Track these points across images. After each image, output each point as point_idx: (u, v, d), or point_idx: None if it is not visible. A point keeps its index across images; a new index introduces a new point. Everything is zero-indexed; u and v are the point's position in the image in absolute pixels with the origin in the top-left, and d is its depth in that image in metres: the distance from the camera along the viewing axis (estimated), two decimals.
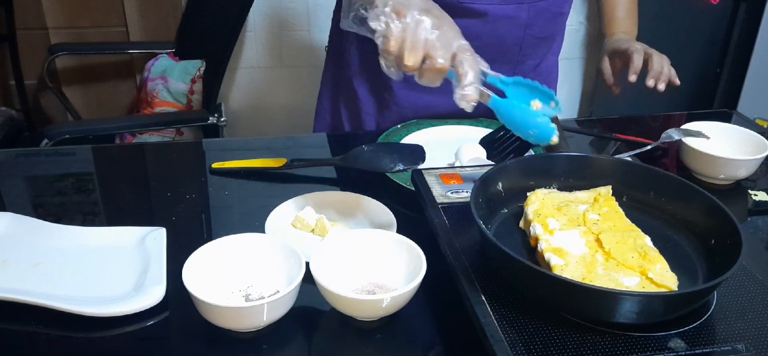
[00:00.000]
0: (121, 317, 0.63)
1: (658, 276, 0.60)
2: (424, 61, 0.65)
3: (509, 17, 0.96)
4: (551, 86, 0.93)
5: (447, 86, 1.03)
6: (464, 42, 0.67)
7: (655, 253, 0.63)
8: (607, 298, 0.57)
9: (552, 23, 1.04)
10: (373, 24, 0.65)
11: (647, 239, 0.66)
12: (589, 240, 0.66)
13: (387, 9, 0.64)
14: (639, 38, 1.16)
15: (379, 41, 0.66)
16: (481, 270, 0.65)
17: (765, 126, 1.17)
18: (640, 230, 0.67)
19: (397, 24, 0.64)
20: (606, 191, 0.73)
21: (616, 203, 0.72)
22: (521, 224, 0.72)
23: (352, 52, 1.07)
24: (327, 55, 1.16)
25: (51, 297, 0.64)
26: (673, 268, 0.62)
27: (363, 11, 0.68)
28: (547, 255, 0.64)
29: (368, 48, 1.05)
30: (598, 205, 0.72)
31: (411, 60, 0.65)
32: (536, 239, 0.67)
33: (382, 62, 0.68)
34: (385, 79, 1.06)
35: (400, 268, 0.67)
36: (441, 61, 0.65)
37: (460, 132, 1.04)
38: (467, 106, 0.67)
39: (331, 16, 1.15)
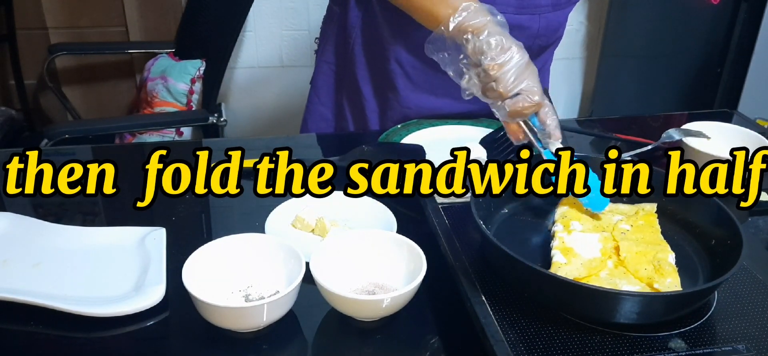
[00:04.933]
0: (120, 317, 0.63)
1: (663, 288, 0.60)
2: (518, 93, 0.73)
3: (522, 27, 0.98)
4: (544, 86, 0.94)
5: (449, 89, 1.04)
6: (547, 99, 0.76)
7: (670, 268, 0.62)
8: (608, 298, 0.57)
9: (555, 32, 1.05)
10: (484, 46, 0.74)
11: (671, 256, 0.64)
12: (607, 247, 0.65)
13: (500, 37, 0.74)
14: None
15: (483, 59, 0.73)
16: (481, 270, 0.65)
17: (766, 126, 1.17)
18: (668, 246, 0.66)
19: (508, 54, 0.73)
20: (650, 207, 0.72)
21: (656, 219, 0.70)
22: (550, 225, 0.72)
23: (358, 52, 1.07)
24: (317, 56, 1.16)
25: (51, 297, 0.64)
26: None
27: (464, 40, 0.76)
28: (553, 252, 0.64)
29: (374, 49, 1.05)
30: (636, 217, 0.70)
31: (507, 87, 0.73)
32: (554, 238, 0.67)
33: (464, 82, 0.78)
34: (390, 80, 1.06)
35: (400, 268, 0.67)
36: (537, 97, 0.73)
37: (460, 132, 1.04)
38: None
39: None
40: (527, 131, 0.76)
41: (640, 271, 0.61)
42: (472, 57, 0.75)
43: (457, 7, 0.77)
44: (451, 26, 0.77)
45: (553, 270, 0.62)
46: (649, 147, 0.99)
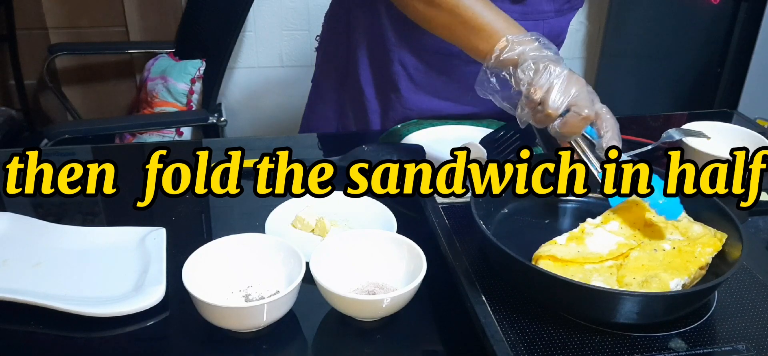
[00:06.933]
0: (120, 317, 0.63)
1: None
2: (567, 110, 0.70)
3: None
4: None
5: (451, 91, 1.04)
6: (604, 106, 0.73)
7: (662, 288, 0.59)
8: (608, 298, 0.57)
9: (558, 37, 1.05)
10: (522, 75, 0.71)
11: (674, 282, 0.60)
12: (621, 251, 0.64)
13: (534, 63, 0.71)
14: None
15: (524, 88, 0.71)
16: (481, 270, 0.65)
17: (766, 126, 1.17)
18: (686, 274, 0.61)
19: (545, 75, 0.70)
20: (721, 235, 0.66)
21: (709, 253, 0.64)
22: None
23: (361, 53, 1.07)
24: (318, 54, 1.16)
25: (51, 297, 0.64)
26: None
27: (505, 74, 0.74)
28: (564, 235, 0.64)
29: (378, 50, 1.05)
30: (692, 243, 0.65)
31: (554, 105, 0.69)
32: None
33: (518, 112, 0.73)
34: (393, 81, 1.06)
35: (400, 268, 0.67)
36: (587, 111, 0.70)
37: (460, 132, 1.04)
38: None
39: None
40: (581, 152, 0.73)
41: (627, 277, 0.60)
42: (517, 88, 0.73)
43: (494, 44, 0.75)
44: (491, 63, 0.75)
45: (545, 245, 0.63)
46: (649, 147, 0.99)
